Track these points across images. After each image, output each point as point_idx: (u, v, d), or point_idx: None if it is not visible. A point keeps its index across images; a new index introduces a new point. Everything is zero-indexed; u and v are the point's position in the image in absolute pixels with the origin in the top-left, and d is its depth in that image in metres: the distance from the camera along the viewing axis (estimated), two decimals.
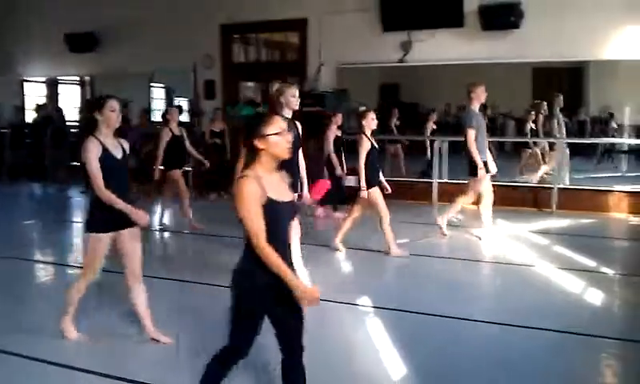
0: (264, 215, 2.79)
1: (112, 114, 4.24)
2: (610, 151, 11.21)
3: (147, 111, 13.32)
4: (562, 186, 9.82)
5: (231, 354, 3.03)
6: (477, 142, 7.37)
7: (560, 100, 10.47)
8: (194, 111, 13.06)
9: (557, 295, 5.74)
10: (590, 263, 6.66)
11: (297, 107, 5.75)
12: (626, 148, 10.95)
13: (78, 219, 10.40)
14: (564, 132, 10.41)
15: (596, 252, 7.07)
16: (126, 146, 4.42)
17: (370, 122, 6.89)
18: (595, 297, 5.63)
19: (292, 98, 5.65)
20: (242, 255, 2.92)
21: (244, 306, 2.92)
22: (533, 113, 10.72)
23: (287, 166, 5.19)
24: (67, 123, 13.70)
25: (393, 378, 4.00)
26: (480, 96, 7.52)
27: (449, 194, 8.79)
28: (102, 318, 5.04)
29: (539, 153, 10.83)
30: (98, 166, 4.14)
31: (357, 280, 6.43)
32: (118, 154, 4.29)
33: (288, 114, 5.62)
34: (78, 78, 15.12)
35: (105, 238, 4.29)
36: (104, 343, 4.54)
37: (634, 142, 10.66)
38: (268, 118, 2.96)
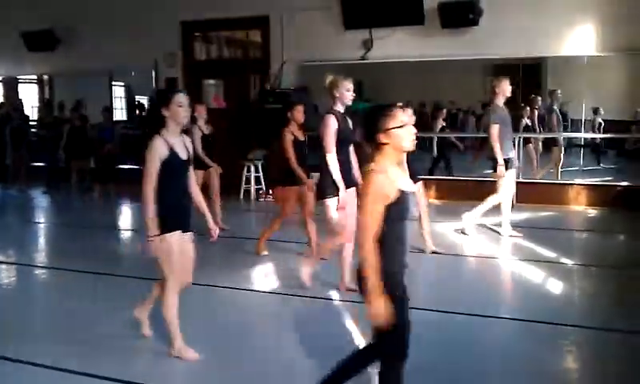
0: (394, 207, 2.77)
1: (180, 109, 4.00)
2: (569, 145, 11.46)
3: (108, 110, 13.19)
4: (522, 179, 10.00)
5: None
6: (501, 137, 7.30)
7: (557, 94, 10.66)
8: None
9: (519, 286, 5.89)
10: (551, 254, 6.83)
11: (350, 102, 5.41)
12: (582, 142, 11.22)
13: (41, 220, 10.28)
14: (561, 128, 10.66)
15: (556, 244, 7.26)
16: (190, 145, 4.19)
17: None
18: (555, 287, 5.80)
19: (347, 91, 5.32)
20: None
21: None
22: (528, 108, 10.85)
23: (342, 161, 5.27)
24: (27, 123, 13.52)
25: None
26: (505, 90, 7.40)
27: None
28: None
29: (532, 149, 10.92)
30: (157, 167, 3.92)
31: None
32: (184, 155, 4.07)
33: (341, 108, 5.38)
34: (35, 77, 14.86)
35: (176, 237, 4.04)
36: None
37: (590, 136, 10.93)
38: (388, 111, 2.91)
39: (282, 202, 6.85)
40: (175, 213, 4.01)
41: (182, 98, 4.01)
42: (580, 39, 9.74)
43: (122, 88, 14.31)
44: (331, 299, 5.48)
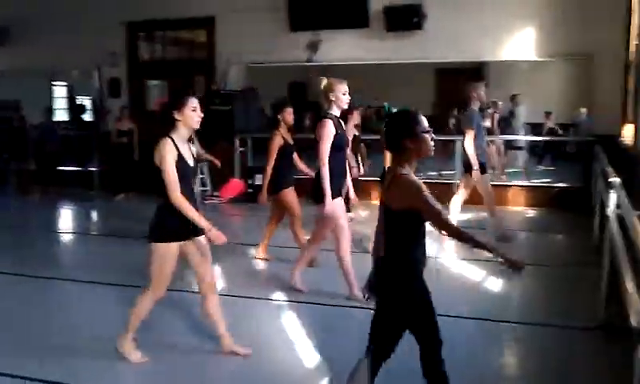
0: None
1: (193, 113, 3.89)
2: (510, 148, 11.74)
3: (50, 110, 12.88)
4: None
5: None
6: (476, 143, 7.33)
7: (518, 99, 10.97)
8: (98, 110, 12.72)
9: (462, 284, 6.00)
10: (490, 254, 6.94)
11: (346, 106, 5.30)
12: (523, 144, 11.49)
13: None
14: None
15: (496, 243, 7.40)
16: (194, 152, 4.09)
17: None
18: (495, 285, 5.95)
19: (343, 95, 5.19)
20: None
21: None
22: (490, 111, 10.99)
23: (338, 166, 5.14)
24: None
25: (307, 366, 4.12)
26: (482, 96, 7.46)
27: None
28: (161, 334, 4.70)
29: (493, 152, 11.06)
30: (175, 170, 3.81)
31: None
32: (191, 162, 3.98)
33: (337, 112, 5.23)
34: None
35: (175, 248, 3.94)
36: (168, 361, 4.22)
37: (531, 138, 11.21)
38: (414, 116, 2.93)
39: (287, 205, 6.58)
40: (183, 219, 3.87)
41: (195, 102, 3.91)
42: (521, 44, 10.01)
43: (64, 88, 14.01)
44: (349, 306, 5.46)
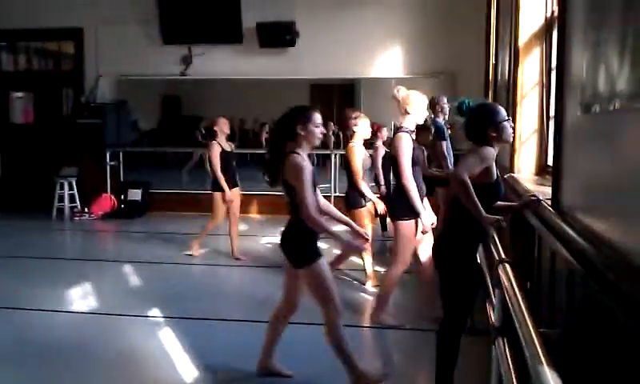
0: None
1: (316, 130, 3.65)
2: None
3: None
4: (337, 194, 10.35)
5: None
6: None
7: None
8: None
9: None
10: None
11: (421, 122, 5.09)
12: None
13: None
14: None
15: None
16: None
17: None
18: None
19: (422, 110, 4.95)
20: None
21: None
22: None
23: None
24: None
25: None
26: (445, 109, 7.17)
27: None
28: None
29: None
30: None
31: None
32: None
33: (412, 126, 4.89)
34: None
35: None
36: None
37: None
38: (493, 107, 3.46)
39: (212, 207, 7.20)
40: (316, 236, 3.72)
41: (320, 118, 3.70)
42: (389, 62, 10.46)
43: None
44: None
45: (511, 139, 3.46)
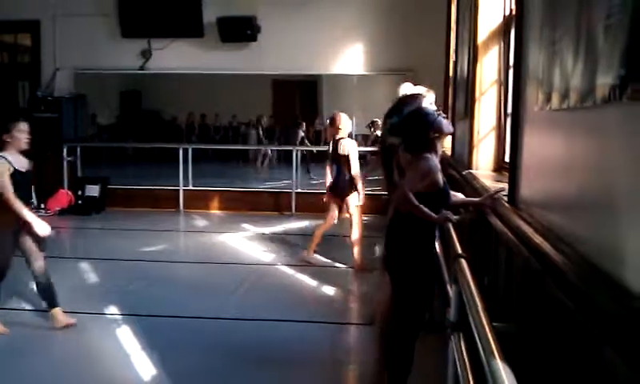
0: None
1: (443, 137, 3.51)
2: None
3: None
4: (299, 190, 10.40)
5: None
6: None
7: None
8: None
9: (297, 290, 6.16)
10: (325, 260, 7.22)
11: None
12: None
13: None
14: None
15: (330, 249, 7.60)
16: None
17: None
18: (330, 289, 6.13)
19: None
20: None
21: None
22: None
23: None
24: None
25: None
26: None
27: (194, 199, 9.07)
28: None
29: None
30: None
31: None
32: None
33: None
34: None
35: None
36: None
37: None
38: (422, 109, 3.52)
39: None
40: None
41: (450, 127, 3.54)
42: (350, 59, 10.47)
43: None
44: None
45: (452, 128, 3.47)
